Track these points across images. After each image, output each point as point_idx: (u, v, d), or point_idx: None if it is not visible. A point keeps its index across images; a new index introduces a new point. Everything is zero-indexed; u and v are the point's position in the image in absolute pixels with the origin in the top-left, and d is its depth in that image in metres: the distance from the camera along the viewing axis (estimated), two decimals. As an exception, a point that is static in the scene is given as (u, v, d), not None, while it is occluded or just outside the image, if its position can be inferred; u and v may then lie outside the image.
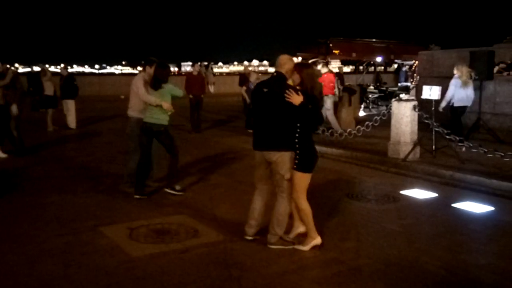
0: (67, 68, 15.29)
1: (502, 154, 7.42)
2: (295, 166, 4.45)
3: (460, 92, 9.16)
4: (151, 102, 6.27)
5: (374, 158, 8.66)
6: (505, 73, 10.62)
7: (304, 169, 4.46)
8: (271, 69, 38.60)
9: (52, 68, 17.55)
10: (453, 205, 6.07)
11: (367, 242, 4.79)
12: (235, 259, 4.36)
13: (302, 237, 4.74)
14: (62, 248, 4.60)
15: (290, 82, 4.54)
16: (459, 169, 7.55)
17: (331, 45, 25.03)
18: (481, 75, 9.98)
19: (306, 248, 4.56)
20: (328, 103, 11.29)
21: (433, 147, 8.38)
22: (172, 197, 6.41)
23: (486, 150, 7.61)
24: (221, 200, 6.32)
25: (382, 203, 6.25)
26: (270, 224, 4.65)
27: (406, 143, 8.32)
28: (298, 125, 4.40)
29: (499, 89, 10.16)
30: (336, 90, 11.81)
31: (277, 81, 4.53)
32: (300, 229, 4.82)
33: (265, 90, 4.55)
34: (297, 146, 4.42)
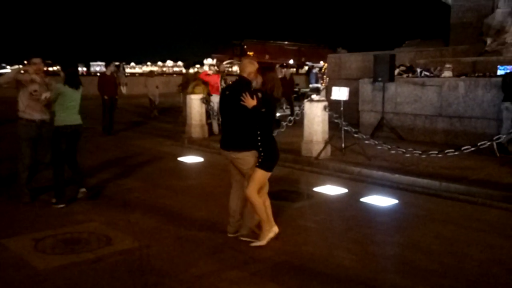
0: None
1: (404, 151, 7.97)
2: (257, 164, 4.64)
3: None
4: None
5: (288, 157, 8.88)
6: (405, 75, 11.42)
7: (266, 168, 4.66)
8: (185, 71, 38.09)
9: None
10: (362, 199, 6.41)
11: (284, 239, 4.89)
12: (152, 265, 4.23)
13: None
14: (-44, 265, 4.17)
15: (254, 84, 4.73)
16: (366, 165, 7.99)
17: (245, 47, 25.43)
18: (384, 77, 10.67)
19: (264, 242, 4.71)
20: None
21: (343, 145, 8.80)
22: (83, 204, 6.07)
23: (389, 147, 8.13)
24: (136, 205, 6.11)
25: (296, 200, 6.43)
26: (242, 219, 4.89)
27: (318, 142, 8.64)
28: (259, 126, 4.58)
29: (400, 90, 10.90)
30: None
31: (239, 85, 4.73)
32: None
33: (227, 93, 4.80)
34: (259, 146, 4.61)
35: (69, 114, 6.02)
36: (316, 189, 6.96)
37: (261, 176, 4.65)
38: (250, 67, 4.74)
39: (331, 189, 6.95)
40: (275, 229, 4.82)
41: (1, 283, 3.84)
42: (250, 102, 4.48)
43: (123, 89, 25.17)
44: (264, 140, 4.61)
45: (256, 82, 4.73)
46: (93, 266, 4.20)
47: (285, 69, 14.85)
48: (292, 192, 6.84)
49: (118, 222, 5.39)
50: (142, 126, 14.52)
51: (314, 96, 9.60)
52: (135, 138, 12.03)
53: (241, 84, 4.72)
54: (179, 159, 9.29)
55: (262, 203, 4.73)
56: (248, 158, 4.66)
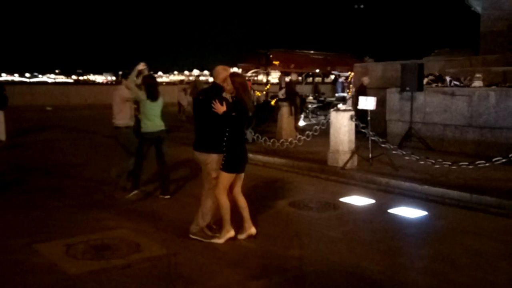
0: (-5, 77, 14.47)
1: (433, 161, 7.85)
2: (221, 166, 4.87)
3: None
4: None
5: (314, 166, 8.86)
6: (434, 85, 11.27)
7: (228, 170, 4.88)
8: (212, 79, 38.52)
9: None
10: (389, 210, 6.34)
11: (310, 249, 4.88)
12: (179, 273, 4.28)
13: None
14: (-8, 268, 4.31)
15: (226, 91, 4.94)
16: (394, 176, 7.90)
17: (271, 56, 25.48)
18: (412, 86, 10.55)
19: (222, 240, 4.97)
20: None
21: (370, 155, 8.72)
22: (112, 211, 6.20)
23: (418, 158, 8.02)
24: (163, 213, 6.20)
25: (323, 210, 6.40)
26: (195, 216, 5.11)
27: (345, 151, 8.59)
28: (227, 129, 4.82)
29: (429, 100, 10.75)
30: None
31: (211, 91, 5.00)
32: (252, 230, 5.13)
33: (200, 98, 5.09)
34: (224, 149, 4.84)
35: (152, 122, 6.78)
36: (342, 199, 6.91)
37: (224, 177, 4.88)
38: (224, 73, 4.96)
39: (358, 200, 6.89)
40: (232, 233, 5.04)
41: (33, 287, 3.95)
42: (220, 108, 4.75)
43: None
44: (230, 142, 4.85)
45: (228, 89, 4.90)
46: (122, 272, 4.27)
47: (289, 77, 15.28)
48: (318, 201, 6.81)
49: (146, 229, 5.47)
50: (169, 133, 14.70)
51: (340, 106, 9.57)
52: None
53: (213, 90, 4.97)
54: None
55: (228, 205, 4.96)
56: (211, 159, 4.92)
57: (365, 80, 13.67)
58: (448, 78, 11.23)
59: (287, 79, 15.40)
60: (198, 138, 5.09)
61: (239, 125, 4.90)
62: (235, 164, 4.92)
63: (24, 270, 4.27)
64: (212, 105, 4.75)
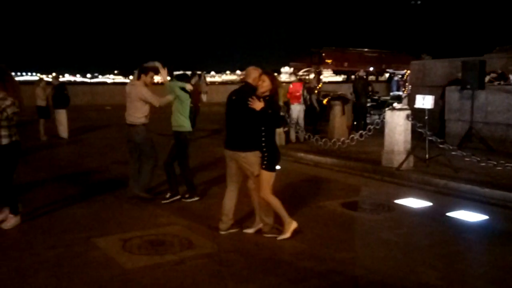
0: (58, 78, 15.22)
1: (495, 163, 7.45)
2: (263, 166, 4.93)
3: None
4: (169, 100, 6.66)
5: (368, 167, 8.66)
6: (496, 83, 10.70)
7: (270, 169, 4.95)
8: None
9: (44, 77, 17.49)
10: (448, 214, 6.07)
11: (364, 252, 4.76)
12: (232, 270, 4.31)
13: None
14: (54, 260, 4.52)
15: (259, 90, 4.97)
16: (453, 178, 7.56)
17: (323, 54, 25.21)
18: (473, 84, 10.07)
19: (288, 234, 5.00)
20: (295, 111, 11.50)
21: (427, 156, 8.41)
22: (166, 208, 6.35)
23: (479, 159, 7.64)
24: (215, 210, 6.26)
25: (377, 212, 6.23)
26: (258, 217, 5.21)
27: (400, 152, 8.33)
28: (263, 128, 4.88)
29: (491, 98, 10.22)
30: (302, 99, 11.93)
31: (245, 90, 5.06)
32: (261, 225, 5.23)
33: (233, 98, 5.14)
34: (263, 147, 4.90)
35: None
36: (397, 201, 6.70)
37: (267, 176, 4.95)
38: (255, 73, 5.06)
39: (414, 202, 6.65)
40: (295, 224, 5.08)
41: (91, 281, 4.10)
42: (258, 105, 4.78)
43: (204, 97, 26.09)
44: (268, 141, 4.90)
45: (262, 86, 4.94)
46: (175, 268, 4.36)
47: (360, 73, 15.07)
48: (371, 203, 6.64)
49: (199, 226, 5.56)
50: (221, 133, 14.89)
51: (395, 105, 9.28)
52: (214, 145, 12.34)
53: (247, 90, 5.03)
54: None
55: (278, 201, 5.02)
56: (251, 158, 4.97)
57: None
58: (511, 76, 10.62)
59: (356, 76, 15.23)
60: (233, 138, 5.13)
61: (274, 123, 5.00)
62: (275, 163, 5.01)
63: (83, 264, 4.44)
64: (249, 102, 4.80)
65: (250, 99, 4.82)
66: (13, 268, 4.32)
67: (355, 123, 14.06)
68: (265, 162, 4.92)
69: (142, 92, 6.50)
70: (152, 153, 6.65)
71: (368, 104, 17.70)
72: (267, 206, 5.13)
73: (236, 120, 5.07)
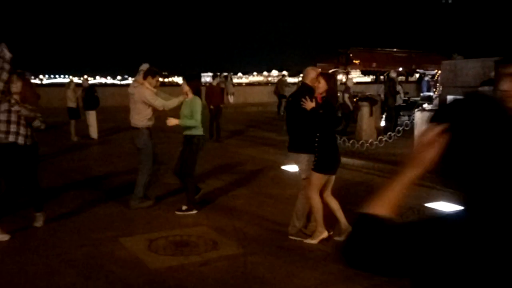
0: (88, 80, 15.51)
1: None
2: (312, 167, 4.84)
3: None
4: (175, 105, 6.37)
5: (396, 169, 8.47)
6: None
7: (319, 170, 4.83)
8: (290, 79, 38.66)
9: (75, 79, 17.88)
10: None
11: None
12: (255, 273, 4.27)
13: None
14: (82, 259, 4.58)
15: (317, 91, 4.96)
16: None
17: (351, 55, 24.89)
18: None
19: (315, 241, 4.94)
20: None
21: (458, 158, 8.16)
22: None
23: None
24: (241, 212, 6.24)
25: (406, 216, 6.07)
26: (291, 218, 5.14)
27: (430, 154, 8.12)
28: (318, 129, 4.82)
29: (526, 99, 9.88)
30: None
31: (301, 91, 5.06)
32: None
33: (290, 99, 5.21)
34: (316, 148, 4.81)
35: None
36: (428, 204, 6.53)
37: (315, 178, 4.83)
38: (313, 73, 5.04)
39: (445, 206, 6.46)
40: (326, 234, 5.00)
41: (117, 279, 4.13)
42: (309, 105, 4.72)
43: (230, 99, 26.19)
44: (322, 143, 4.81)
45: (317, 87, 4.91)
46: (200, 269, 4.34)
47: (391, 74, 14.83)
48: (400, 206, 6.46)
49: (224, 227, 5.54)
50: (247, 134, 14.88)
51: (426, 105, 9.07)
52: (240, 146, 12.34)
53: (303, 90, 5.01)
54: (283, 167, 9.33)
55: (320, 206, 4.91)
56: (301, 159, 4.94)
57: None
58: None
59: (385, 76, 15.04)
60: (290, 139, 5.16)
61: (328, 124, 4.86)
62: (326, 164, 4.89)
63: (110, 263, 4.48)
64: (302, 102, 4.78)
65: (303, 99, 4.78)
66: (42, 267, 4.40)
67: (384, 124, 13.82)
68: (314, 163, 4.85)
69: (145, 95, 6.21)
70: (147, 162, 6.28)
71: (397, 104, 17.39)
72: (303, 211, 5.10)
73: (292, 121, 5.12)
